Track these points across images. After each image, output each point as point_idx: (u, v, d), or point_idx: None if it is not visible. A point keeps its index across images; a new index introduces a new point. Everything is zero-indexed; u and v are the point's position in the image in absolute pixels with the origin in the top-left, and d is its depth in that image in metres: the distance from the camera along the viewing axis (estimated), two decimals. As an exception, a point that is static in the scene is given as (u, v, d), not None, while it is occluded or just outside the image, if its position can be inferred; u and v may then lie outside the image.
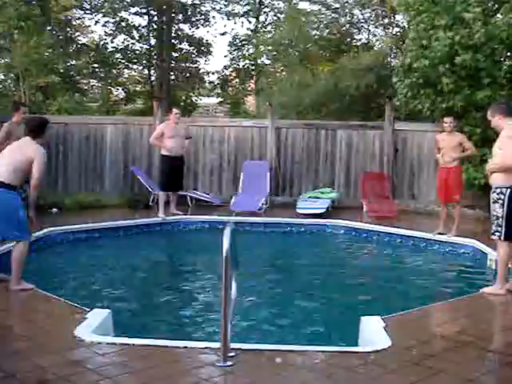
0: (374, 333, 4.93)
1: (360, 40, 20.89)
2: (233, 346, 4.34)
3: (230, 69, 27.13)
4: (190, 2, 24.79)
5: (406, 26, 16.21)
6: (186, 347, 4.57)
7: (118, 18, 23.81)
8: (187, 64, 25.79)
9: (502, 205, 6.19)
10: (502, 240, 6.28)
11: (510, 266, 6.41)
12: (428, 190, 12.71)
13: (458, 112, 11.29)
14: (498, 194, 6.25)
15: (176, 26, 24.97)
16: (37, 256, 7.88)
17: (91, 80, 24.46)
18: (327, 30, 19.70)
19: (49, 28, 19.92)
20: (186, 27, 25.22)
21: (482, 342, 4.93)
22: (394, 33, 19.56)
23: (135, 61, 24.96)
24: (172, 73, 25.22)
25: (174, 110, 11.44)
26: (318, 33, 19.63)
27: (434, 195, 11.17)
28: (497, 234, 6.30)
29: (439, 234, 9.66)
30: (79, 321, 5.06)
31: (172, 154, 11.14)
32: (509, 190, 6.17)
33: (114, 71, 24.42)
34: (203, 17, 25.25)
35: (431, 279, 8.14)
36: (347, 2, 20.56)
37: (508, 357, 4.59)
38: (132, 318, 6.17)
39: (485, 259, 8.32)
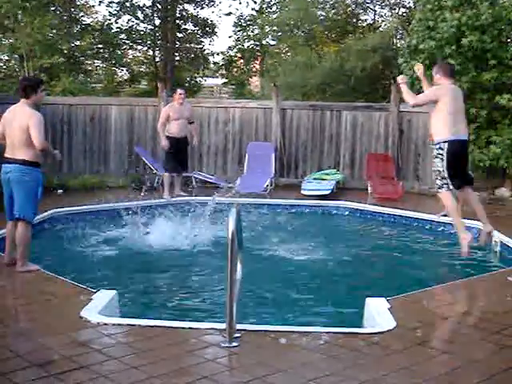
0: (378, 314, 4.95)
1: (366, 21, 20.78)
2: (238, 326, 4.36)
3: (235, 49, 26.98)
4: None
5: (413, 7, 16.11)
6: (191, 328, 4.59)
7: (122, -2, 23.68)
8: (192, 45, 25.66)
9: (442, 159, 6.68)
10: (452, 189, 6.76)
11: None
12: (433, 171, 12.64)
13: (464, 94, 11.23)
14: (437, 149, 6.74)
15: (181, 6, 24.82)
16: (42, 237, 7.93)
17: (95, 61, 24.35)
18: (333, 11, 19.56)
19: (53, 8, 19.81)
20: (190, 7, 25.08)
21: (486, 324, 4.95)
22: (400, 13, 19.42)
23: (139, 41, 24.84)
24: (176, 53, 25.11)
25: (178, 91, 11.40)
26: (323, 13, 19.49)
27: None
28: (445, 186, 6.76)
29: (443, 215, 9.63)
30: (85, 302, 5.09)
31: (177, 136, 11.12)
32: (446, 144, 6.68)
33: (119, 52, 24.28)
34: (208, -3, 25.08)
35: (436, 261, 8.15)
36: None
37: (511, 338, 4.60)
38: (138, 299, 6.19)
39: (489, 240, 8.29)
